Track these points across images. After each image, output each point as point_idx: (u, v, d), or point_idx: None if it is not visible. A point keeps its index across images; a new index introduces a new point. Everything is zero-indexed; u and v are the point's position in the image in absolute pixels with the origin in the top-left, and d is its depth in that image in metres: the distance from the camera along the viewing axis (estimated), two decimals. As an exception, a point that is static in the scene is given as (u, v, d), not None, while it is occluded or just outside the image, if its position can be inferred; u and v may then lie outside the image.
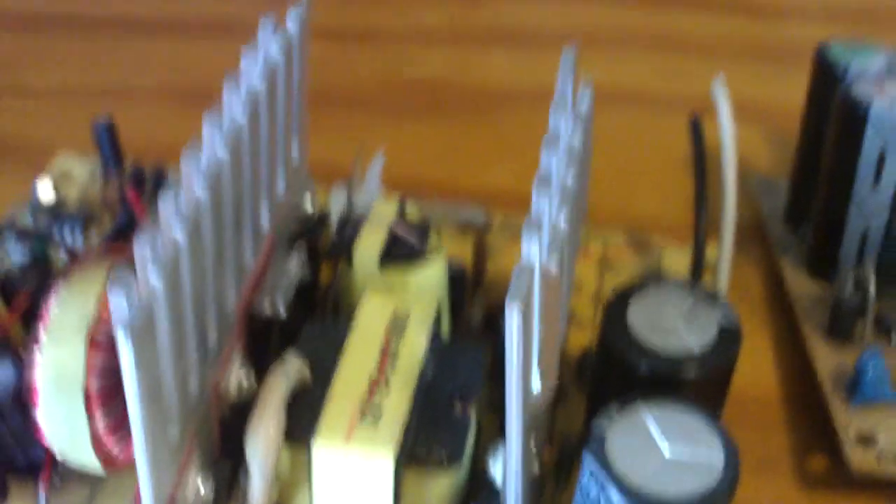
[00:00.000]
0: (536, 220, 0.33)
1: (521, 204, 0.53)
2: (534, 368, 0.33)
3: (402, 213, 0.42)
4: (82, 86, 0.64)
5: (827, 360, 0.45)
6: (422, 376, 0.36)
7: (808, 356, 0.46)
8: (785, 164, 0.56)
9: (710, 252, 0.47)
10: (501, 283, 0.47)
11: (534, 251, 0.32)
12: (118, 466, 0.37)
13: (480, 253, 0.46)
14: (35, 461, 0.40)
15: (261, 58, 0.38)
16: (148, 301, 0.31)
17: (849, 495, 0.42)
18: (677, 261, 0.49)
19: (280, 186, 0.42)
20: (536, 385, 0.34)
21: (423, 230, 0.41)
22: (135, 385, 0.31)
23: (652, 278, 0.40)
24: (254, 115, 0.37)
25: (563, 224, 0.32)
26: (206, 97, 0.61)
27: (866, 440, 0.42)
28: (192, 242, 0.33)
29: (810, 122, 0.51)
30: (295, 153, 0.43)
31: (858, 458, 0.41)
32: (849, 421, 0.42)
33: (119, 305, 0.30)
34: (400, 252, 0.40)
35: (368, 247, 0.40)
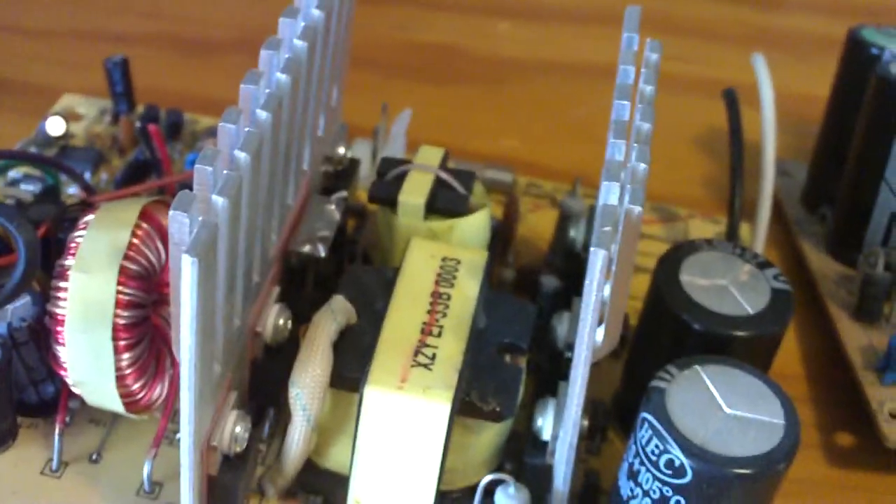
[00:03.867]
0: (615, 162, 0.32)
1: (534, 171, 0.52)
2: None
3: (446, 162, 0.40)
4: (87, 30, 0.62)
5: (856, 339, 0.45)
6: (473, 324, 0.35)
7: (836, 335, 0.45)
8: (799, 148, 0.55)
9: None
10: (531, 244, 0.46)
11: (614, 194, 0.31)
12: (139, 407, 0.35)
13: (511, 212, 0.45)
14: (47, 401, 0.38)
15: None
16: (212, 222, 0.29)
17: (877, 471, 0.42)
18: (704, 231, 0.49)
19: (320, 128, 0.40)
20: (600, 335, 0.32)
21: (468, 178, 0.39)
22: (192, 312, 0.29)
23: (701, 241, 0.39)
24: (311, 46, 0.35)
25: (641, 167, 0.31)
26: (210, 48, 0.60)
27: (901, 417, 0.41)
28: (253, 168, 0.32)
29: (837, 103, 0.51)
30: (335, 96, 0.42)
31: (894, 435, 0.40)
32: (882, 398, 0.42)
33: (181, 226, 0.29)
34: (446, 200, 0.39)
35: (414, 193, 0.39)
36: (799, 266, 0.49)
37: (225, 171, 0.30)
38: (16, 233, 0.35)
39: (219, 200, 0.30)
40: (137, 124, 0.47)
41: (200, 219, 0.29)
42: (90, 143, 0.49)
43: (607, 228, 0.30)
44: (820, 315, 0.47)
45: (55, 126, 0.47)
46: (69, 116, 0.49)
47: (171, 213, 0.29)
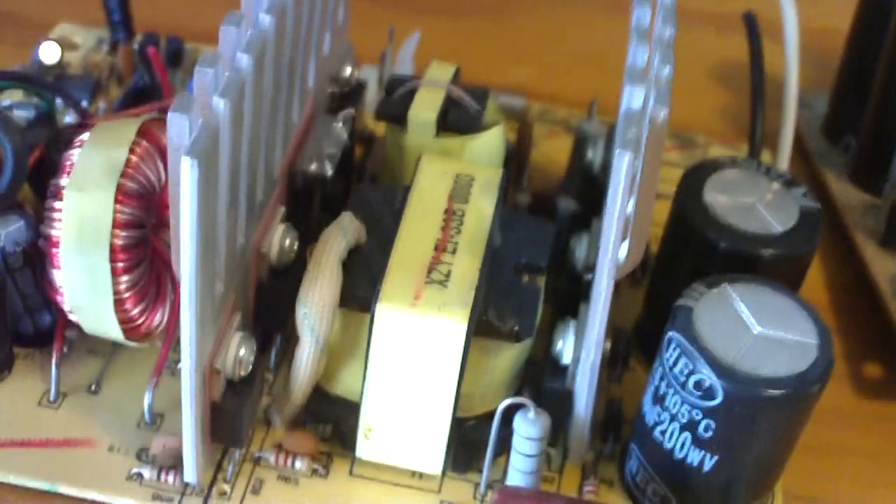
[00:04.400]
0: (637, 68, 0.30)
1: (551, 100, 0.51)
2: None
3: (457, 79, 0.38)
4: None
5: (883, 267, 0.43)
6: (489, 242, 0.33)
7: (863, 264, 0.44)
8: (819, 80, 0.54)
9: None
10: (546, 169, 0.45)
11: (637, 98, 0.29)
12: (138, 334, 0.34)
13: (525, 136, 0.43)
14: (43, 330, 0.36)
15: None
16: (213, 125, 0.27)
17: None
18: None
19: (326, 46, 0.39)
20: (623, 251, 0.31)
21: (481, 95, 0.38)
22: (192, 220, 0.27)
23: (724, 159, 0.37)
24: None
25: (664, 74, 0.30)
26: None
27: (932, 345, 0.40)
28: (256, 72, 0.30)
29: (860, 33, 0.49)
30: (340, 15, 0.40)
31: (926, 363, 0.39)
32: (912, 326, 0.40)
33: (180, 127, 0.27)
34: (458, 117, 0.37)
35: (425, 109, 0.37)
36: (822, 197, 0.47)
37: (226, 73, 0.29)
38: (2, 137, 0.33)
39: (220, 102, 0.28)
40: (136, 48, 0.45)
41: (200, 121, 0.27)
42: (87, 72, 0.48)
43: (631, 133, 0.28)
44: (845, 245, 0.45)
45: (49, 52, 0.45)
46: (65, 46, 0.48)
47: (169, 115, 0.27)
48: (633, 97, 0.29)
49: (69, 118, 0.42)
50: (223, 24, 0.29)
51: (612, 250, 0.29)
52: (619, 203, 0.28)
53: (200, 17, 0.53)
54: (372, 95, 0.44)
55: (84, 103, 0.44)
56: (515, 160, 0.41)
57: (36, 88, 0.41)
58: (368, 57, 0.46)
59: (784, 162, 0.45)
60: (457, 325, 0.31)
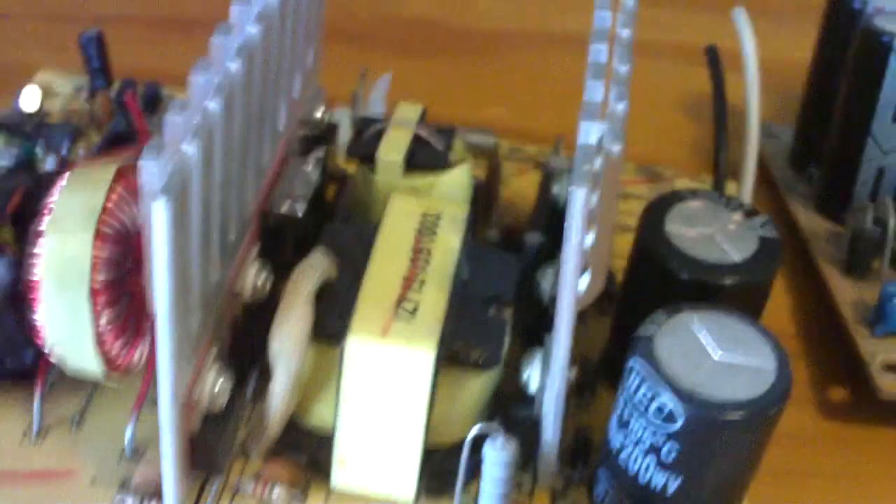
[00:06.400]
0: (593, 104, 0.31)
1: (522, 139, 0.52)
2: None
3: (424, 119, 0.40)
4: (61, 12, 0.61)
5: (846, 294, 0.44)
6: (456, 276, 0.34)
7: (827, 291, 0.45)
8: (785, 111, 0.55)
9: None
10: (515, 205, 0.46)
11: (593, 134, 0.30)
12: (119, 370, 0.34)
13: (494, 173, 0.44)
14: (25, 368, 0.37)
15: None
16: (183, 168, 0.29)
17: (871, 425, 0.41)
18: (690, 190, 0.48)
19: (296, 89, 0.40)
20: (584, 282, 0.32)
21: (448, 134, 0.39)
22: (166, 257, 0.28)
23: (686, 191, 0.39)
24: (284, 1, 0.35)
25: (619, 109, 0.31)
26: (188, 25, 0.59)
27: (894, 369, 0.41)
28: (226, 116, 0.31)
29: (822, 62, 0.50)
30: (310, 58, 0.41)
31: (888, 386, 0.40)
32: (874, 350, 0.41)
33: (151, 172, 0.28)
34: (425, 156, 0.38)
35: (392, 150, 0.38)
36: (787, 225, 0.49)
37: (195, 121, 0.30)
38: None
39: (190, 147, 0.29)
40: (114, 95, 0.46)
41: (172, 165, 0.28)
42: (67, 118, 0.49)
43: (586, 167, 0.29)
44: (810, 272, 0.46)
45: (30, 99, 0.46)
46: (45, 94, 0.49)
47: (141, 160, 0.28)
48: (590, 133, 0.30)
49: (49, 165, 0.44)
50: (192, 73, 0.30)
51: (572, 281, 0.30)
52: (574, 236, 0.29)
53: (177, 63, 0.54)
54: (345, 136, 0.45)
55: (64, 150, 0.45)
56: (484, 196, 0.42)
57: (17, 136, 0.43)
58: (341, 98, 0.47)
59: (747, 192, 0.46)
60: (425, 354, 0.32)
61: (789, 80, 0.54)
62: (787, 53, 0.54)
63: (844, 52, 0.47)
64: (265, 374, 0.34)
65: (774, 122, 0.55)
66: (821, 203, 0.49)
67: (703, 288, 0.35)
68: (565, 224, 0.29)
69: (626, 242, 0.40)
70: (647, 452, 0.32)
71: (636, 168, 0.50)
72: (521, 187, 0.48)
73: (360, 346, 0.32)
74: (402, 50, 0.59)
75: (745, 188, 0.46)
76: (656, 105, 0.57)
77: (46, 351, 0.34)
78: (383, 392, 0.33)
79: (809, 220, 0.49)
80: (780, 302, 0.46)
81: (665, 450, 0.32)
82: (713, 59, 0.46)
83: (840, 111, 0.48)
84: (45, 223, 0.33)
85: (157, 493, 0.34)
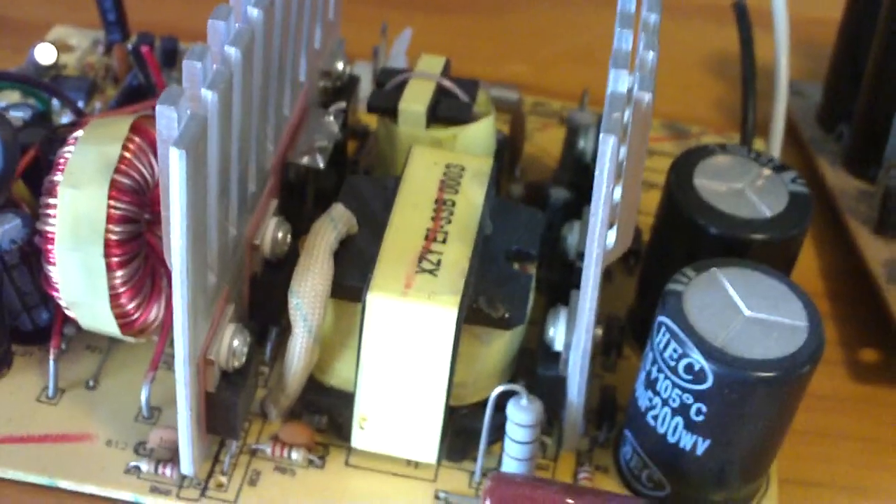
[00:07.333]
0: (622, 52, 0.30)
1: (540, 94, 0.51)
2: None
3: (447, 71, 0.39)
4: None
5: (877, 253, 0.43)
6: (480, 231, 0.33)
7: (856, 250, 0.44)
8: (813, 70, 0.54)
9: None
10: (539, 161, 0.45)
11: (622, 82, 0.29)
12: (134, 329, 0.34)
13: (518, 127, 0.43)
14: (41, 327, 0.37)
15: None
16: (202, 117, 0.28)
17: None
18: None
19: (317, 39, 0.39)
20: (612, 237, 0.31)
21: (471, 86, 0.38)
22: (181, 210, 0.27)
23: (714, 145, 0.38)
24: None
25: (649, 59, 0.30)
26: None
27: (927, 330, 0.40)
28: (245, 65, 0.30)
29: (852, 19, 0.49)
30: (331, 9, 0.40)
31: (921, 347, 0.39)
32: (907, 311, 0.40)
33: (168, 119, 0.27)
34: (449, 108, 0.37)
35: (415, 100, 0.37)
36: (816, 184, 0.48)
37: (214, 66, 0.29)
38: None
39: (208, 94, 0.28)
40: (130, 47, 0.45)
41: (189, 113, 0.27)
42: (83, 73, 0.48)
43: (616, 115, 0.28)
44: (839, 232, 0.45)
45: (45, 54, 0.45)
46: (61, 48, 0.48)
47: (157, 107, 0.27)
48: (618, 81, 0.29)
49: (65, 119, 0.43)
50: (211, 18, 0.30)
51: (600, 236, 0.30)
52: (604, 186, 0.28)
53: (195, 18, 0.53)
54: (366, 91, 0.44)
55: (80, 103, 0.44)
56: (508, 151, 0.41)
57: (32, 89, 0.42)
58: (362, 54, 0.46)
59: (776, 149, 0.45)
60: (447, 311, 0.31)
61: (818, 37, 0.53)
62: (817, 11, 0.53)
63: (876, 11, 0.46)
64: (286, 333, 0.33)
65: (802, 80, 0.54)
66: (850, 161, 0.48)
67: (733, 243, 0.35)
68: (594, 175, 0.28)
69: (652, 199, 0.40)
70: (674, 412, 0.32)
71: (662, 124, 0.49)
72: (544, 142, 0.47)
73: (381, 303, 0.31)
74: (423, 5, 0.58)
75: (774, 145, 0.45)
76: (683, 63, 0.56)
77: (62, 308, 0.34)
78: (405, 350, 0.32)
79: (837, 179, 0.47)
80: (807, 261, 0.45)
81: (694, 410, 0.31)
82: (741, 14, 0.45)
83: (871, 69, 0.47)
84: (59, 176, 0.32)
85: (173, 457, 0.33)
